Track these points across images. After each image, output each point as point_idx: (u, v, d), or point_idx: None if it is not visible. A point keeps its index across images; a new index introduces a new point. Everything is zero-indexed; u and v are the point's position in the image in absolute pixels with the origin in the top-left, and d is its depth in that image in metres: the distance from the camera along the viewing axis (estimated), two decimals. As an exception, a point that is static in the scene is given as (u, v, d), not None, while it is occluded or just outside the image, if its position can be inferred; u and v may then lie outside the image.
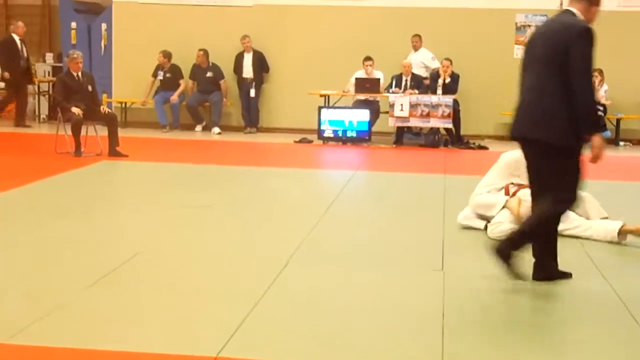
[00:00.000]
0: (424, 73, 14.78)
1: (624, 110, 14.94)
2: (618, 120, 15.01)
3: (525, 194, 6.51)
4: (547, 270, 5.43)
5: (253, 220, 7.39)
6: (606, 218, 6.78)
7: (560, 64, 5.08)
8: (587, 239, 6.62)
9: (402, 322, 4.59)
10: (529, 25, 15.42)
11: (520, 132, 5.40)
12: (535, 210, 5.31)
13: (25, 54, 15.73)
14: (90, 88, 11.76)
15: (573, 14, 5.28)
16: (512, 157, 7.02)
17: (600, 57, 15.84)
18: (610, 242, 6.54)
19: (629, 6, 15.07)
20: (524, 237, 5.26)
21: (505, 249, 5.20)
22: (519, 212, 6.52)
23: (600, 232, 6.59)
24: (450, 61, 14.37)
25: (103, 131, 11.57)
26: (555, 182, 5.16)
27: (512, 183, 6.93)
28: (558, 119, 5.11)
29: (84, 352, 4.00)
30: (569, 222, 6.56)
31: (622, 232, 6.52)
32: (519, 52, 15.43)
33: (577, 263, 5.89)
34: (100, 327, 4.37)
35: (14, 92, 15.58)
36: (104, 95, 15.37)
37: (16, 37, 15.54)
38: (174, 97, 15.58)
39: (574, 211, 6.50)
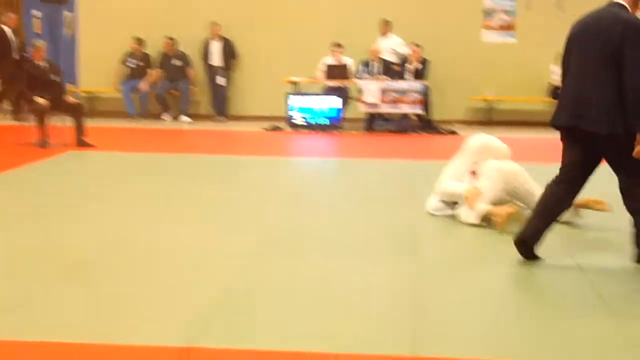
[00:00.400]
0: (393, 59, 14.75)
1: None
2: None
3: (483, 185, 6.71)
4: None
5: (222, 209, 7.32)
6: None
7: (616, 59, 5.12)
8: None
9: (371, 308, 4.56)
10: (496, 10, 15.44)
11: (571, 123, 5.39)
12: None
13: (17, 45, 15.18)
14: (55, 78, 11.60)
15: (623, 6, 5.31)
16: (478, 142, 7.16)
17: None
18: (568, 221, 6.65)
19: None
20: None
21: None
22: (474, 204, 6.62)
23: None
24: (420, 46, 14.37)
25: (69, 121, 11.43)
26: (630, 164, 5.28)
27: (474, 172, 6.95)
28: (618, 111, 5.15)
29: (49, 344, 3.93)
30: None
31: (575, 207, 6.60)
32: (487, 36, 15.48)
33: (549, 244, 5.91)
34: (66, 320, 4.29)
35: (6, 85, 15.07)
36: (70, 85, 15.19)
37: (7, 29, 15.03)
38: (144, 85, 15.44)
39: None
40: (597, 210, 6.70)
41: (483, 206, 6.61)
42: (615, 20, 5.22)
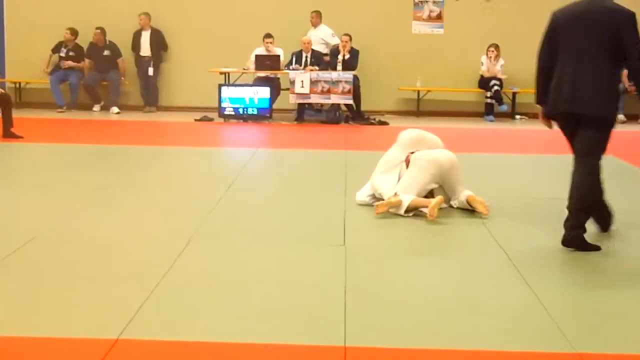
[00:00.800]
0: (324, 49, 14.80)
1: (520, 84, 15.26)
2: (514, 94, 15.34)
3: (412, 175, 6.85)
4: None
5: (153, 201, 7.29)
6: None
7: (612, 47, 5.52)
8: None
9: (304, 297, 4.61)
10: (426, 1, 15.59)
11: (569, 108, 5.68)
12: (582, 179, 5.68)
13: None
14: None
15: None
16: (410, 135, 7.32)
17: (496, 32, 16.22)
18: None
19: (523, -18, 15.39)
20: (584, 212, 5.67)
21: (577, 237, 5.59)
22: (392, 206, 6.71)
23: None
24: (350, 37, 14.45)
25: (-4, 112, 11.24)
26: (599, 149, 5.69)
27: (412, 152, 7.03)
28: (613, 97, 5.68)
29: (-22, 340, 3.89)
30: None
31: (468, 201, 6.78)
32: (417, 28, 15.64)
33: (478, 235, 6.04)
34: (-5, 314, 4.25)
35: None
36: (-4, 76, 14.94)
37: None
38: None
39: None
40: (479, 211, 6.73)
41: (408, 197, 6.68)
42: (610, 10, 5.59)
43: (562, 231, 5.62)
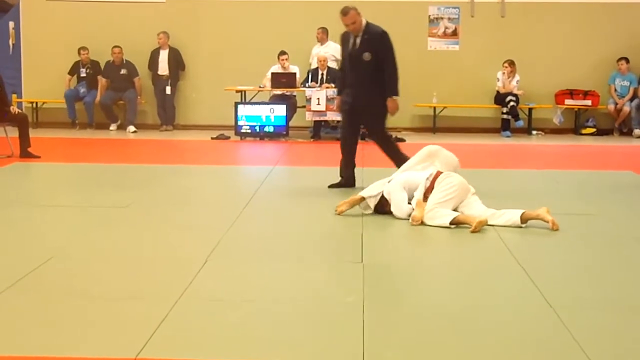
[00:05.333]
0: (335, 65, 14.80)
1: (536, 100, 15.24)
2: (530, 110, 15.31)
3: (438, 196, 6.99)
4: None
5: (170, 219, 7.29)
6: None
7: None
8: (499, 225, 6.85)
9: (322, 315, 4.58)
10: (442, 18, 15.61)
11: (360, 102, 8.54)
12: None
13: None
14: (-2, 89, 11.45)
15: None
16: (429, 148, 7.66)
17: (512, 48, 16.19)
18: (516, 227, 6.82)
19: (538, -3, 15.39)
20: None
21: None
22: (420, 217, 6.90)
23: (508, 220, 6.88)
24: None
25: (13, 132, 11.29)
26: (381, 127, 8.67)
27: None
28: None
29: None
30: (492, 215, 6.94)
31: (523, 219, 6.82)
32: (432, 44, 15.65)
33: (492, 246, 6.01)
34: (16, 334, 4.24)
35: None
36: (14, 96, 15.02)
37: None
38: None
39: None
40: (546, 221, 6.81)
41: (452, 213, 6.84)
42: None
43: (583, 247, 5.57)
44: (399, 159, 8.42)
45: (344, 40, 8.87)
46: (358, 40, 8.63)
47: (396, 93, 8.61)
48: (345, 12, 8.53)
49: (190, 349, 4.05)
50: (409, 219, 6.99)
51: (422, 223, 6.86)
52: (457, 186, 7.03)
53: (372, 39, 8.61)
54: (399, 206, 7.17)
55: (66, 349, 4.01)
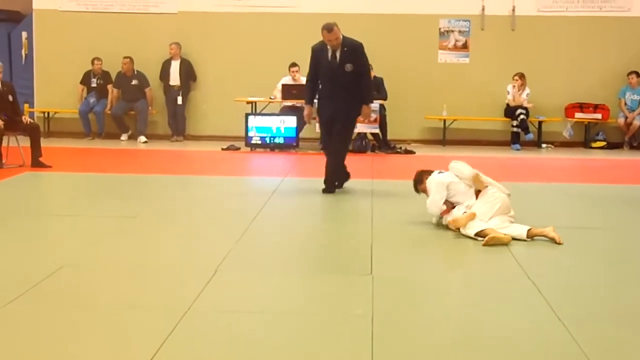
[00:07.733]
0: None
1: (546, 113, 15.23)
2: (540, 123, 15.30)
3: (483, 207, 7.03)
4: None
5: (180, 230, 7.31)
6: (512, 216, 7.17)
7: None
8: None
9: (331, 328, 4.59)
10: (452, 31, 15.63)
11: (340, 111, 9.08)
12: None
13: None
14: (10, 98, 11.48)
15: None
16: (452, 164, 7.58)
17: (522, 61, 16.19)
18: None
19: (549, 11, 15.38)
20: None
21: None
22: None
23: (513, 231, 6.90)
24: (371, 66, 14.41)
25: (25, 142, 11.35)
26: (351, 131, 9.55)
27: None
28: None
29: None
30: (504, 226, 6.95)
31: (529, 235, 6.84)
32: (442, 57, 15.66)
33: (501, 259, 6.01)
34: (25, 344, 4.25)
35: None
36: (26, 105, 15.10)
37: None
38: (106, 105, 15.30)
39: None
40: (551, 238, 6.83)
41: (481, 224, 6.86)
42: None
43: (592, 261, 5.56)
44: (337, 170, 9.28)
45: (318, 53, 9.32)
46: (338, 54, 9.12)
47: (372, 100, 9.51)
48: (329, 28, 9.04)
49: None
50: (433, 219, 7.20)
51: (458, 230, 6.94)
52: (501, 201, 7.05)
53: (351, 51, 9.12)
54: (436, 203, 7.22)
55: (75, 359, 4.03)
